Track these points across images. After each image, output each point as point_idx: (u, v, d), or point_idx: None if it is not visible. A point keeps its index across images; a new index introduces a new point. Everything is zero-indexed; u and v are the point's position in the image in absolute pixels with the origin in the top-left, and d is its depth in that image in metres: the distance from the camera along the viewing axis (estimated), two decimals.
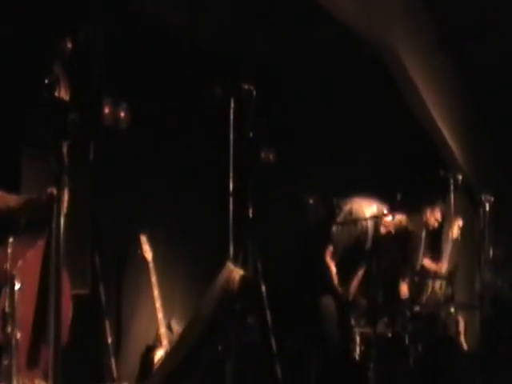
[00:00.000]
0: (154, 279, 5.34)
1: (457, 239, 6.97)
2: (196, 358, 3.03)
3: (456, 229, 6.92)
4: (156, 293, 5.32)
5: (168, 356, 3.93)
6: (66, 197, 3.52)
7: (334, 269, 6.02)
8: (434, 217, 6.85)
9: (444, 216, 7.32)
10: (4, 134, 4.42)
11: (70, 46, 4.04)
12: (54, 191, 3.22)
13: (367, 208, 6.24)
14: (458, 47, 7.35)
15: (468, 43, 7.25)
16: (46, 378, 3.46)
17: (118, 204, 5.40)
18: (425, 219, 6.84)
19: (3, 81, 4.41)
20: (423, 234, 6.86)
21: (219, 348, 3.58)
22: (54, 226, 2.75)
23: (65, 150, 2.43)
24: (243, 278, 3.09)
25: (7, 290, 3.65)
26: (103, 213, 5.16)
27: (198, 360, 3.05)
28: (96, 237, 5.11)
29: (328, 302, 5.91)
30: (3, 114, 4.39)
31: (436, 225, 6.90)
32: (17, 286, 3.67)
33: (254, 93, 4.38)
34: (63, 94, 3.57)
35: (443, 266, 6.93)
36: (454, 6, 6.82)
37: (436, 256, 7.06)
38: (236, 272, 3.09)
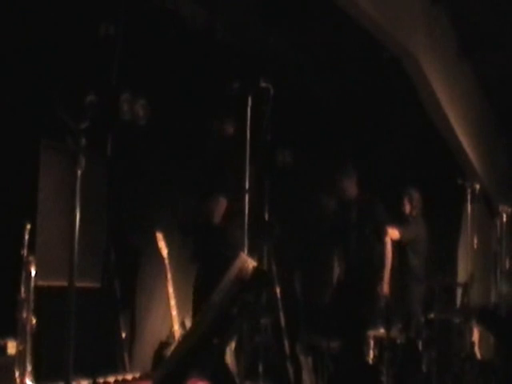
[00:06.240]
0: (169, 276, 5.35)
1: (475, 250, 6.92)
2: (207, 346, 3.04)
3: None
4: (171, 290, 5.33)
5: (180, 344, 3.95)
6: None
7: None
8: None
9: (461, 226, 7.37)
10: (23, 124, 4.48)
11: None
12: None
13: None
14: (478, 55, 7.35)
15: (488, 51, 7.24)
16: None
17: (135, 200, 5.43)
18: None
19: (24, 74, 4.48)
20: None
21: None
22: None
23: (82, 130, 2.45)
24: (256, 269, 3.09)
25: (23, 277, 3.70)
26: (120, 210, 5.19)
27: (209, 348, 3.07)
28: (112, 232, 5.15)
29: None
30: (23, 105, 4.45)
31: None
32: (33, 273, 3.73)
33: (272, 91, 4.36)
34: None
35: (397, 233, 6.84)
36: (474, 15, 6.83)
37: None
38: (249, 262, 3.09)
